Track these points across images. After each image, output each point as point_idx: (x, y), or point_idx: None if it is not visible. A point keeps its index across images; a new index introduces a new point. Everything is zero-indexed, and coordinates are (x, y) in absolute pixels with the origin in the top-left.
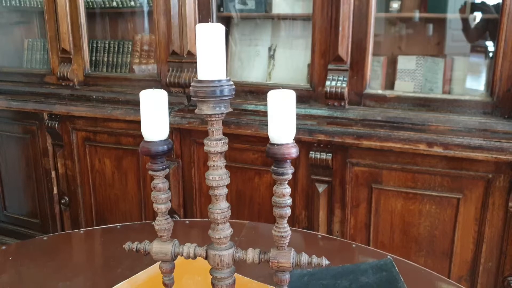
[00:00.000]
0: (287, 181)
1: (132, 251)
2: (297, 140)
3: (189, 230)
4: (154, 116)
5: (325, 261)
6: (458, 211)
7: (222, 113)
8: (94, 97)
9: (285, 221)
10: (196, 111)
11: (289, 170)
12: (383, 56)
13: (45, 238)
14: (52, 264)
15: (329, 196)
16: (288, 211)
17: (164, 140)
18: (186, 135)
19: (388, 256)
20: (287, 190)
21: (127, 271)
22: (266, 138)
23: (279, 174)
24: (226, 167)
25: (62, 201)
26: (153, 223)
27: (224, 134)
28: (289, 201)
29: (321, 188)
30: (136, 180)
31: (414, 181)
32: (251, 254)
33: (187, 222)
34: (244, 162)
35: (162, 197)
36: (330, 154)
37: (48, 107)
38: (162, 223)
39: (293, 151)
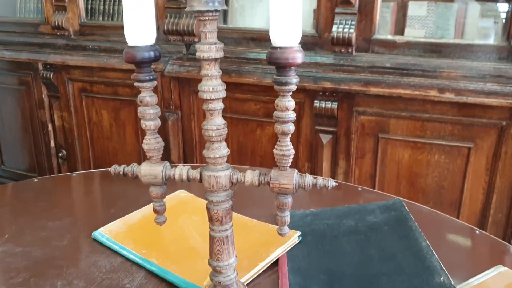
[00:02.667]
0: (290, 92)
1: (118, 173)
2: (301, 89)
3: None
4: (139, 16)
5: (331, 183)
6: (468, 161)
7: (216, 10)
8: (90, 46)
9: (288, 138)
10: (186, 8)
11: (294, 79)
12: (392, 1)
13: (35, 180)
14: (42, 204)
15: (333, 147)
16: (291, 127)
17: (151, 45)
18: (185, 85)
19: (397, 197)
20: (291, 103)
21: (120, 212)
22: (269, 87)
23: (282, 84)
24: (226, 118)
25: (60, 155)
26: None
27: (225, 82)
28: (292, 115)
29: (325, 139)
30: (135, 133)
31: (423, 130)
32: (250, 176)
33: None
34: (246, 114)
35: (150, 112)
36: (336, 103)
37: (43, 57)
38: (151, 142)
39: (299, 56)
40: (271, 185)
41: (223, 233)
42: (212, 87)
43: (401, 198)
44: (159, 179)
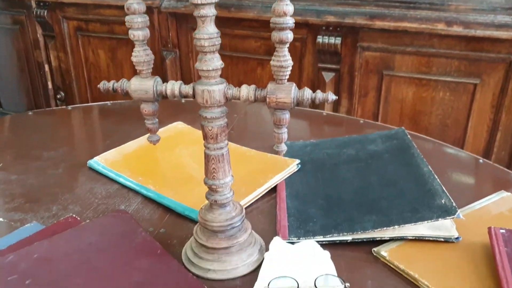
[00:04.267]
0: None
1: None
2: (303, 23)
3: (184, 108)
4: None
5: (331, 96)
6: (473, 98)
7: None
8: None
9: (286, 48)
10: None
11: None
12: None
13: (30, 113)
14: (37, 136)
15: (336, 85)
16: (290, 35)
17: None
18: (183, 22)
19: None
20: (289, 7)
21: (116, 143)
22: (270, 23)
23: None
24: (226, 57)
25: (58, 96)
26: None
27: (223, 18)
28: (291, 22)
29: (328, 77)
30: (132, 73)
31: (429, 66)
32: (246, 91)
33: (183, 101)
34: (246, 52)
35: (138, 21)
36: (340, 38)
37: None
38: (140, 55)
39: None
40: (267, 99)
41: (219, 151)
42: None
43: (404, 128)
44: (150, 94)
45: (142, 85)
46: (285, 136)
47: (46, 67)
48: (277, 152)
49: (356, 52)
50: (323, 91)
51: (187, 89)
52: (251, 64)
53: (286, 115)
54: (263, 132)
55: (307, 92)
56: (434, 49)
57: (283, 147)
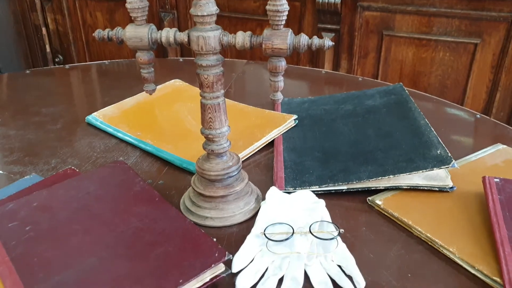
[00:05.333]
0: None
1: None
2: None
3: (182, 67)
4: None
5: (328, 42)
6: (474, 58)
7: None
8: None
9: None
10: None
11: None
12: None
13: (28, 72)
14: (35, 93)
15: (335, 46)
16: None
17: None
18: None
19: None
20: None
21: (114, 100)
22: None
23: None
24: (224, 18)
25: (56, 60)
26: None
27: None
28: None
29: (327, 37)
30: None
31: (429, 25)
32: (241, 37)
33: (181, 60)
34: (245, 12)
35: None
36: None
37: None
38: (135, 0)
39: None
40: (263, 46)
41: (215, 101)
42: None
43: (401, 83)
44: (145, 41)
45: (137, 32)
46: (281, 84)
47: (44, 30)
48: (273, 101)
49: (356, 11)
50: (323, 53)
51: (182, 36)
52: (250, 25)
53: (282, 63)
54: (261, 90)
55: (303, 38)
56: (434, 8)
57: (279, 96)
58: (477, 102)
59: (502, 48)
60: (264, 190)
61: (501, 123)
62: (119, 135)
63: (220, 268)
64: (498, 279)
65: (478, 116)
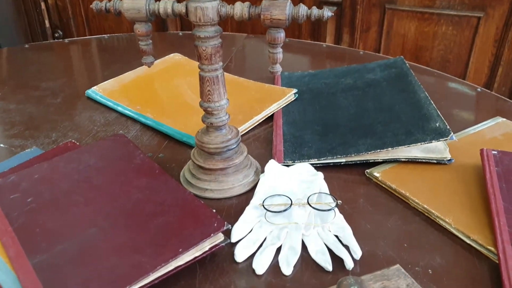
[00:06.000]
0: None
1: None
2: None
3: (182, 41)
4: None
5: (327, 13)
6: (476, 32)
7: None
8: None
9: None
10: None
11: None
12: None
13: (27, 46)
14: (34, 67)
15: (337, 20)
16: None
17: None
18: None
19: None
20: None
21: (114, 74)
22: None
23: None
24: None
25: (56, 35)
26: None
27: None
28: None
29: (327, 8)
30: None
31: None
32: (239, 8)
33: (181, 34)
34: None
35: None
36: None
37: None
38: None
39: None
40: (262, 16)
41: (213, 73)
42: None
43: (402, 57)
44: (142, 13)
45: (134, 3)
46: (279, 56)
47: (43, 4)
48: (272, 73)
49: None
50: (324, 26)
51: (180, 7)
52: None
53: (281, 34)
54: (261, 64)
55: (302, 9)
56: None
57: (278, 68)
58: (479, 76)
59: (506, 22)
60: (263, 163)
61: (502, 97)
62: (119, 109)
63: (219, 237)
64: (492, 249)
65: (479, 90)
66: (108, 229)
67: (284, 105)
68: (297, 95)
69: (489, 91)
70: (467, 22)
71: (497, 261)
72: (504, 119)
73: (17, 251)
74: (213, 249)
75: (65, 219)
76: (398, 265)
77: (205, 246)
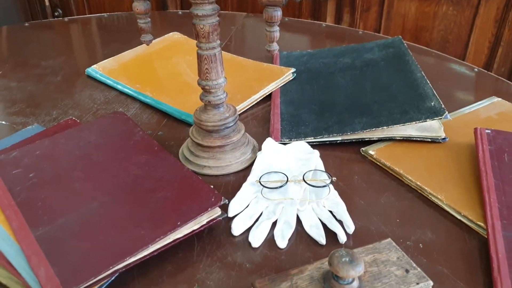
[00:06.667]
0: None
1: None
2: None
3: (181, 20)
4: None
5: None
6: (477, 12)
7: None
8: None
9: None
10: None
11: None
12: None
13: (26, 24)
14: (34, 45)
15: (338, 0)
16: None
17: None
18: None
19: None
20: None
21: (114, 53)
22: None
23: None
24: None
25: (56, 14)
26: None
27: None
28: None
29: None
30: None
31: None
32: None
33: (180, 12)
34: None
35: None
36: None
37: None
38: None
39: None
40: None
41: (211, 51)
42: None
43: (400, 36)
44: None
45: None
46: (276, 34)
47: None
48: (269, 52)
49: None
50: (325, 6)
51: None
52: None
53: (278, 12)
54: (260, 43)
55: None
56: None
57: (275, 47)
58: (479, 57)
59: (506, 2)
60: (260, 142)
61: (501, 78)
62: (119, 87)
63: (216, 212)
64: (482, 224)
65: (476, 70)
66: (108, 203)
67: (282, 84)
68: (295, 74)
69: (486, 71)
70: (468, 2)
71: (486, 236)
72: (500, 98)
73: (20, 224)
74: (211, 223)
75: (66, 194)
76: (389, 239)
77: (203, 220)
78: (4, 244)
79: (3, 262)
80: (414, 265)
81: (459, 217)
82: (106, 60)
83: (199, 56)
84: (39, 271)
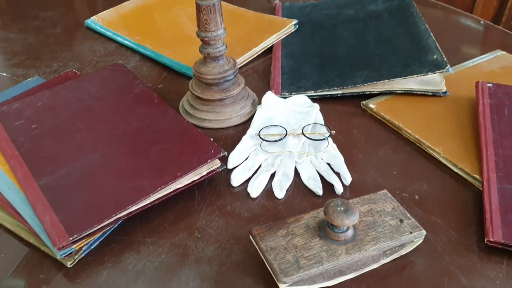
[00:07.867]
0: None
1: None
2: None
3: None
4: None
5: None
6: None
7: None
8: None
9: None
10: None
11: None
12: None
13: None
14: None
15: None
16: None
17: None
18: None
19: None
20: None
21: (113, 3)
22: None
23: None
24: None
25: None
26: None
27: None
28: None
29: None
30: None
31: None
32: None
33: None
34: None
35: None
36: None
37: None
38: None
39: None
40: None
41: (210, 1)
42: None
43: None
44: None
45: None
46: None
47: None
48: (269, 3)
49: None
50: None
51: None
52: None
53: None
54: None
55: None
56: None
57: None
58: (488, 9)
59: None
60: (260, 95)
61: (508, 31)
62: (118, 39)
63: (216, 163)
64: (477, 176)
65: (482, 22)
66: (109, 154)
67: (284, 36)
68: (297, 26)
69: (492, 23)
70: None
71: (481, 188)
72: (504, 52)
73: (25, 174)
74: (210, 174)
75: (68, 145)
76: (385, 190)
77: (203, 171)
78: (10, 193)
79: (10, 210)
80: (409, 215)
81: (455, 170)
82: (106, 11)
83: (198, 6)
84: (44, 218)
